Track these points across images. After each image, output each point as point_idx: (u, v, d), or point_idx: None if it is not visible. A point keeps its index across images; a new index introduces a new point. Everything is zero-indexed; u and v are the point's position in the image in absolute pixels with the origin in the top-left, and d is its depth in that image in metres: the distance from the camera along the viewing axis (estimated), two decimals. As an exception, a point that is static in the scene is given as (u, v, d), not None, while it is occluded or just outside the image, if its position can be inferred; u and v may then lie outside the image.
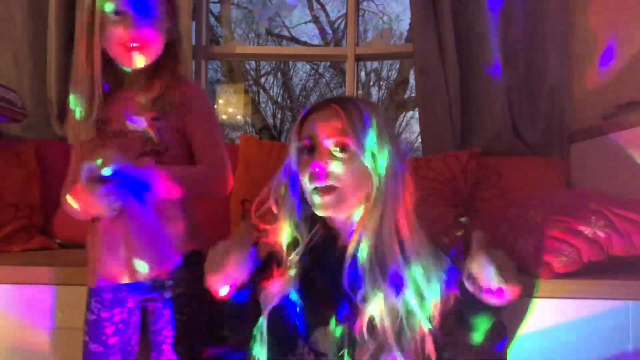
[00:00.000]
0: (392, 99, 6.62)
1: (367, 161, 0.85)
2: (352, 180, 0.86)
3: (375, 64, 6.82)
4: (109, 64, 1.06)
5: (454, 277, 0.86)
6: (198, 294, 0.96)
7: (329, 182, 0.85)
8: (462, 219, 1.51)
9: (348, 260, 0.85)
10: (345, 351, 0.84)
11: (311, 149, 0.88)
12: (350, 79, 2.25)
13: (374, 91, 7.05)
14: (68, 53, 1.92)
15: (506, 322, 0.88)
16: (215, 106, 6.07)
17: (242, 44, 6.17)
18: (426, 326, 0.84)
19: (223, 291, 0.82)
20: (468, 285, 0.80)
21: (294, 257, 0.88)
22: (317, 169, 0.85)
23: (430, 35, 1.86)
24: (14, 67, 1.96)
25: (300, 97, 7.30)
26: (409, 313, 0.84)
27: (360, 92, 3.66)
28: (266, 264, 0.88)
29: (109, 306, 1.04)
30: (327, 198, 0.86)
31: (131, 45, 1.02)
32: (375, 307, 0.83)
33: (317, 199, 0.87)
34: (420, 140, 1.95)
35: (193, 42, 2.16)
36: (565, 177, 1.76)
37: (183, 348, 1.04)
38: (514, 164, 1.76)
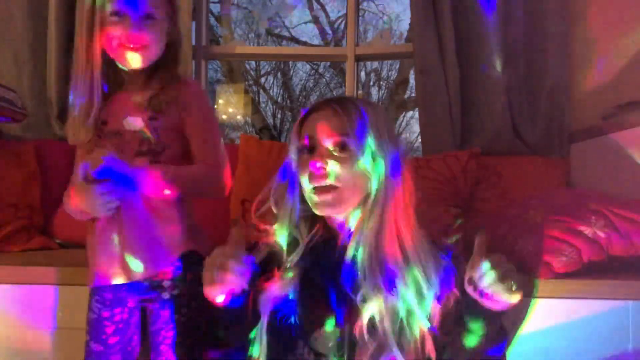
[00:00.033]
0: (392, 99, 6.62)
1: (367, 161, 0.85)
2: (351, 180, 0.86)
3: (375, 64, 6.81)
4: (109, 65, 1.06)
5: (454, 277, 0.86)
6: (197, 294, 0.96)
7: (328, 182, 0.85)
8: (458, 221, 1.51)
9: (348, 260, 0.85)
10: (345, 351, 0.84)
11: (311, 149, 0.88)
12: (350, 79, 2.25)
13: (374, 91, 7.04)
14: (68, 53, 1.92)
15: (506, 322, 0.88)
16: (215, 106, 6.07)
17: (242, 44, 6.17)
18: (426, 326, 0.84)
19: (220, 299, 0.81)
20: (469, 290, 0.80)
21: (293, 257, 0.88)
22: (316, 169, 0.85)
23: (430, 35, 1.86)
24: (14, 67, 1.96)
25: (300, 97, 7.29)
26: (409, 313, 0.84)
27: (360, 92, 3.65)
28: (266, 264, 0.88)
29: (110, 305, 1.04)
30: (327, 197, 0.86)
31: (130, 46, 1.02)
32: (375, 308, 0.82)
33: (316, 199, 0.86)
34: (420, 140, 1.95)
35: (193, 42, 2.16)
36: (565, 177, 1.76)
37: (182, 349, 1.03)
38: (514, 164, 1.76)
